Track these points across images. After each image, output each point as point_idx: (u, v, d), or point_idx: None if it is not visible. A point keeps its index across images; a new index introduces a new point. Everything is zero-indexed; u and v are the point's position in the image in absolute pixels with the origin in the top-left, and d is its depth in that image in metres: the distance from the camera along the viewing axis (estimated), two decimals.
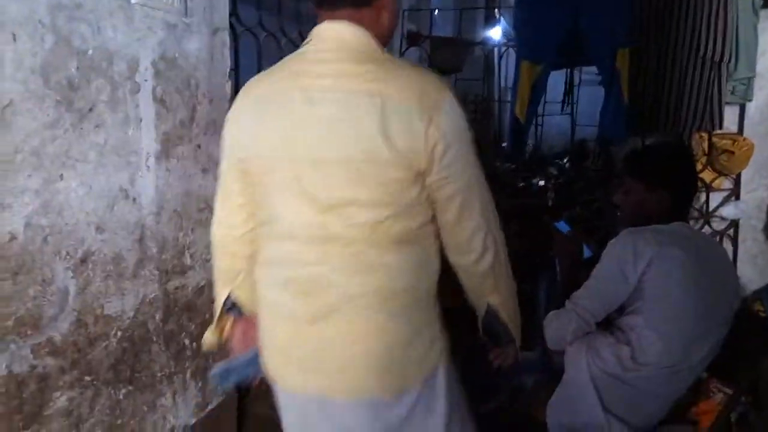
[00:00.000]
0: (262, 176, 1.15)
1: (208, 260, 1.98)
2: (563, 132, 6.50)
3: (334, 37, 1.10)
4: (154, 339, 1.76)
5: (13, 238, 1.30)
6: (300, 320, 1.14)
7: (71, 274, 1.45)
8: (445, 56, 5.31)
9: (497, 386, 1.85)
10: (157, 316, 1.77)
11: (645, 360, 1.45)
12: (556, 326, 1.55)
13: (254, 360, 1.30)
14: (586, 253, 1.88)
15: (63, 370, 1.45)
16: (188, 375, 1.92)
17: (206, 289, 1.98)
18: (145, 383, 1.73)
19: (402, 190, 1.06)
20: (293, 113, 1.08)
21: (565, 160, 4.31)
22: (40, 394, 1.39)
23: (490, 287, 1.17)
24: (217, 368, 1.37)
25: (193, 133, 1.86)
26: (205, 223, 1.96)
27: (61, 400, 1.45)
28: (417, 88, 1.04)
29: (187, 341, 1.90)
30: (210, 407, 2.05)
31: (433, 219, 1.13)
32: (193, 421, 1.96)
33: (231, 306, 1.38)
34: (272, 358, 1.23)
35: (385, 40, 1.15)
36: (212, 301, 1.63)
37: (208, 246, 1.97)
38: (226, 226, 1.36)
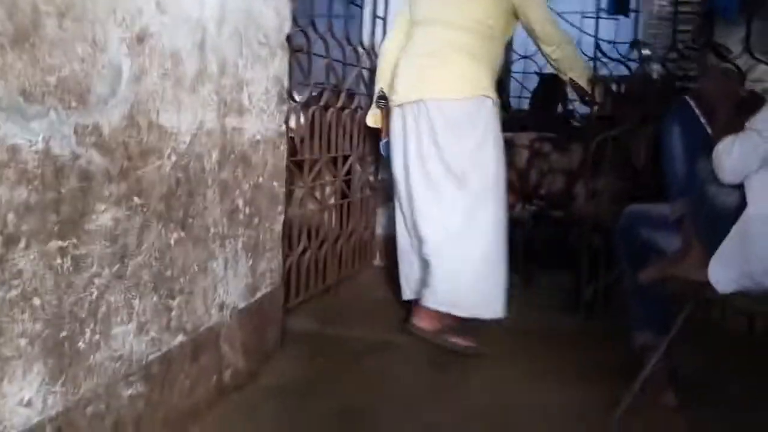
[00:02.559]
0: None
1: (264, 110, 1.63)
2: None
3: None
4: (209, 183, 1.39)
5: None
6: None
7: (126, 50, 1.08)
8: None
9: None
10: (214, 155, 1.40)
11: None
12: (741, 152, 1.25)
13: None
14: None
15: (110, 177, 1.07)
16: (239, 245, 1.56)
17: (261, 144, 1.63)
18: (197, 236, 1.36)
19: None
20: None
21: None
22: (82, 196, 1.02)
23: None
24: (383, 141, 2.26)
25: None
26: (264, 61, 1.61)
27: (105, 217, 1.07)
28: None
29: (240, 202, 1.54)
30: (259, 294, 1.69)
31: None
32: (243, 304, 1.60)
33: (380, 97, 2.23)
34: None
35: None
36: (266, 162, 1.68)
37: (265, 92, 1.64)
38: (391, 39, 2.26)
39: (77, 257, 1.02)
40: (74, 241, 1.01)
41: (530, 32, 2.17)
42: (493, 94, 2.05)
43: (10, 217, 0.89)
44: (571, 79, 2.17)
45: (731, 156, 1.28)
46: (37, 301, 0.95)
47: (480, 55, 2.04)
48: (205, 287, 1.42)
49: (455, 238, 2.01)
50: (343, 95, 2.33)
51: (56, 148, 0.95)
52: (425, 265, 2.06)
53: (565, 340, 2.12)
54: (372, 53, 2.61)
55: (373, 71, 2.58)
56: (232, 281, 1.54)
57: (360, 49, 2.52)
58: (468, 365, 1.88)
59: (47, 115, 0.93)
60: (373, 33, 2.64)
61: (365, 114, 2.47)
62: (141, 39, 1.12)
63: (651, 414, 1.56)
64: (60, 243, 0.98)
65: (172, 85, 1.22)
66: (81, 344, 1.05)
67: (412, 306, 2.14)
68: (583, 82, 2.18)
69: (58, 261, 0.98)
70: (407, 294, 2.17)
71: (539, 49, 2.20)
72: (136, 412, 1.21)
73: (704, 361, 1.91)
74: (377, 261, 2.85)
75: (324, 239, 2.28)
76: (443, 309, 2.01)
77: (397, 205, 2.18)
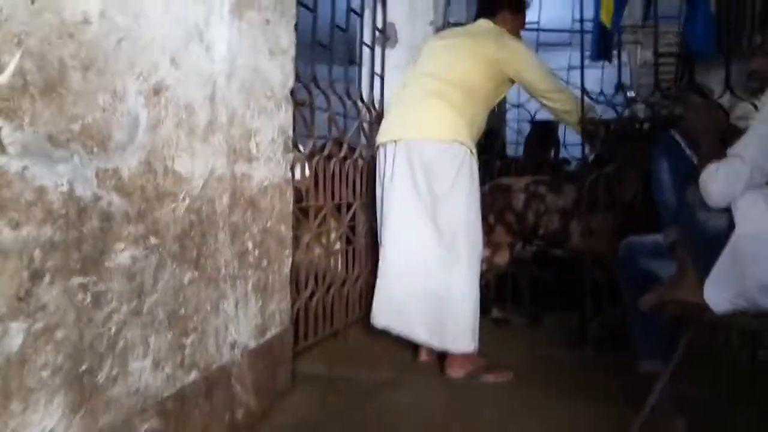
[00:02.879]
0: None
1: (271, 158, 1.72)
2: None
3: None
4: (221, 225, 1.46)
5: (86, 21, 1.03)
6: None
7: (143, 101, 1.18)
8: None
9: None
10: (225, 199, 1.48)
11: None
12: (725, 177, 1.31)
13: None
14: None
15: (128, 218, 1.15)
16: (249, 286, 1.61)
17: (269, 190, 1.71)
18: (210, 276, 1.42)
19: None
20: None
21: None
22: (102, 236, 1.08)
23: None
24: None
25: (261, 3, 1.64)
26: (270, 113, 1.71)
27: (123, 256, 1.13)
28: None
29: (250, 245, 1.60)
30: (269, 335, 1.73)
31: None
32: (253, 344, 1.63)
33: None
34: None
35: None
36: (273, 206, 1.76)
37: (272, 141, 1.73)
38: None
39: (97, 293, 1.08)
40: (95, 278, 1.07)
41: (532, 93, 2.36)
42: (469, 144, 2.16)
43: (37, 253, 0.95)
44: (581, 126, 2.37)
45: (717, 181, 1.34)
46: (59, 335, 1.00)
47: (462, 108, 2.17)
48: (217, 326, 1.46)
49: (426, 275, 2.10)
50: (345, 146, 2.43)
51: (79, 189, 1.03)
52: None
53: (574, 373, 2.14)
54: (372, 107, 2.74)
55: (372, 124, 2.71)
56: (243, 321, 1.58)
57: (360, 104, 2.64)
58: (477, 399, 1.89)
59: (71, 159, 1.01)
60: (371, 89, 2.78)
61: (366, 164, 2.58)
62: (157, 91, 1.22)
63: None
64: (81, 279, 1.04)
65: (185, 133, 1.31)
66: (100, 378, 1.09)
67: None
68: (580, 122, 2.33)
69: (80, 296, 1.04)
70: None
71: (542, 105, 2.37)
72: None
73: (710, 390, 1.92)
74: None
75: (331, 283, 2.33)
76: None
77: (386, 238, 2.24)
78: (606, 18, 2.43)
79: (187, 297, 1.34)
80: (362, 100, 2.69)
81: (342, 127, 2.46)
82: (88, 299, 1.06)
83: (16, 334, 0.92)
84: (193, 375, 1.36)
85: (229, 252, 1.50)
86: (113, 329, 1.12)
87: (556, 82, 2.38)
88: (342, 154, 2.41)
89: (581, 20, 2.73)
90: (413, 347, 2.23)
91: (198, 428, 1.38)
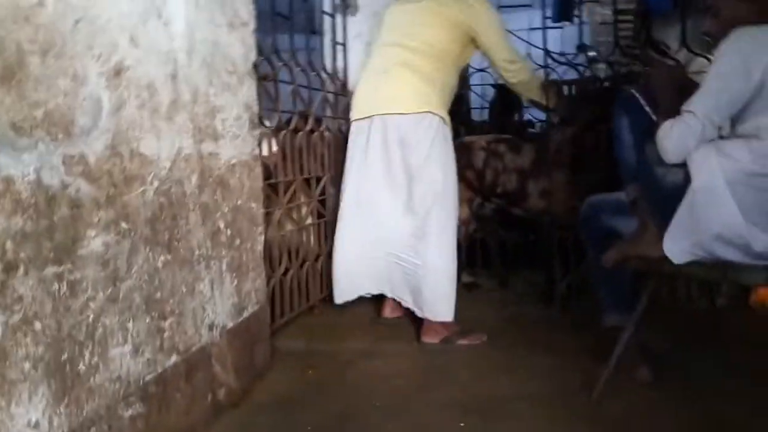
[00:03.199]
0: None
1: (237, 135, 1.70)
2: None
3: None
4: (191, 206, 1.45)
5: (41, 3, 0.99)
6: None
7: (105, 83, 1.15)
8: None
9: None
10: (193, 180, 1.46)
11: None
12: (678, 133, 1.37)
13: None
14: None
15: (98, 204, 1.13)
16: (224, 266, 1.61)
17: (237, 168, 1.69)
18: (183, 258, 1.41)
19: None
20: None
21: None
22: (74, 224, 1.07)
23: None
24: None
25: None
26: (234, 89, 1.68)
27: (96, 242, 1.12)
28: None
29: (222, 224, 1.60)
30: (246, 314, 1.73)
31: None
32: (231, 324, 1.64)
33: None
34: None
35: None
36: (243, 184, 1.74)
37: (237, 118, 1.71)
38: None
39: (72, 282, 1.06)
40: (69, 266, 1.05)
41: (490, 60, 2.36)
42: (441, 113, 2.18)
43: (9, 244, 0.93)
44: (530, 99, 2.40)
45: (670, 138, 1.39)
46: (38, 326, 0.99)
47: (431, 76, 2.18)
48: (194, 308, 1.46)
49: (409, 246, 2.16)
50: (311, 119, 2.41)
51: (47, 178, 1.01)
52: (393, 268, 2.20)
53: (542, 329, 2.22)
54: (336, 78, 2.71)
55: (337, 95, 2.69)
56: (219, 301, 1.58)
57: (323, 75, 2.61)
58: (452, 362, 1.95)
59: (36, 147, 0.99)
60: (334, 59, 2.74)
61: (333, 136, 2.57)
62: (118, 72, 1.19)
63: (628, 392, 1.65)
64: (56, 269, 1.03)
65: (149, 114, 1.29)
66: (81, 366, 1.09)
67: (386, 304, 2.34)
68: (538, 97, 2.36)
69: (56, 286, 1.03)
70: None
71: (499, 74, 2.39)
72: None
73: (672, 339, 2.03)
74: None
75: (304, 259, 2.34)
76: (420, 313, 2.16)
77: (347, 213, 2.28)
78: None
79: (162, 280, 1.33)
80: (326, 71, 2.66)
81: (306, 100, 2.43)
82: (64, 288, 1.04)
83: None
84: (174, 358, 1.37)
85: (201, 233, 1.49)
86: (91, 317, 1.11)
87: (516, 53, 2.39)
88: (308, 127, 2.39)
89: None
90: (390, 322, 2.29)
91: (181, 410, 1.39)
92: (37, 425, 0.99)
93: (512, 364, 1.91)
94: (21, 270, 0.96)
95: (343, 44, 2.80)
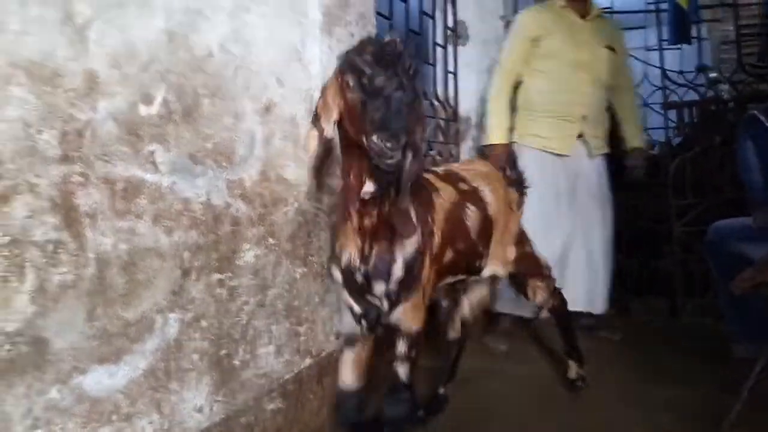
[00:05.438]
0: None
1: None
2: None
3: None
4: (322, 226, 1.61)
5: (210, 54, 1.20)
6: None
7: (258, 119, 1.34)
8: None
9: None
10: (324, 202, 1.63)
11: None
12: None
13: None
14: None
15: (252, 222, 1.31)
16: None
17: None
18: (316, 271, 1.57)
19: None
20: None
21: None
22: (233, 238, 1.25)
23: None
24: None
25: (346, 19, 1.77)
26: None
27: (249, 255, 1.30)
28: None
29: None
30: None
31: None
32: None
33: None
34: None
35: None
36: None
37: None
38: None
39: (231, 288, 1.24)
40: (229, 274, 1.24)
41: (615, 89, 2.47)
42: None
43: (186, 254, 1.12)
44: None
45: None
46: (204, 324, 1.17)
47: (604, 112, 2.46)
48: (324, 317, 1.61)
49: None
50: (423, 146, 2.54)
51: (214, 199, 1.20)
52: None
53: (665, 357, 2.15)
54: (446, 105, 2.83)
55: (448, 121, 2.81)
56: (345, 313, 1.72)
57: (436, 102, 2.74)
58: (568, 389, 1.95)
59: (207, 173, 1.18)
60: (446, 87, 2.87)
61: (444, 162, 2.68)
62: (268, 109, 1.38)
63: (761, 427, 1.56)
64: (219, 276, 1.21)
65: (292, 144, 1.47)
66: (236, 361, 1.26)
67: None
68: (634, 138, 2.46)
69: (218, 290, 1.21)
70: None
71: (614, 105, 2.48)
72: (276, 426, 1.39)
73: None
74: None
75: None
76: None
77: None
78: (683, 0, 2.40)
79: (299, 290, 1.49)
80: (438, 99, 2.79)
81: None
82: (225, 293, 1.23)
83: (174, 323, 1.10)
84: (308, 360, 1.52)
85: (330, 250, 1.65)
86: (245, 319, 1.28)
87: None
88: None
89: (656, 3, 2.71)
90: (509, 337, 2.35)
91: (314, 410, 1.54)
92: (201, 410, 1.17)
93: (633, 393, 1.87)
94: (193, 276, 1.14)
95: (454, 73, 2.92)
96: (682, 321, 2.49)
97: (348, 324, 1.36)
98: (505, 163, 2.31)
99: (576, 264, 2.27)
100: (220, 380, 1.21)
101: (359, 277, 1.23)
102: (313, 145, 1.18)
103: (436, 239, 1.33)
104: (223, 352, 1.22)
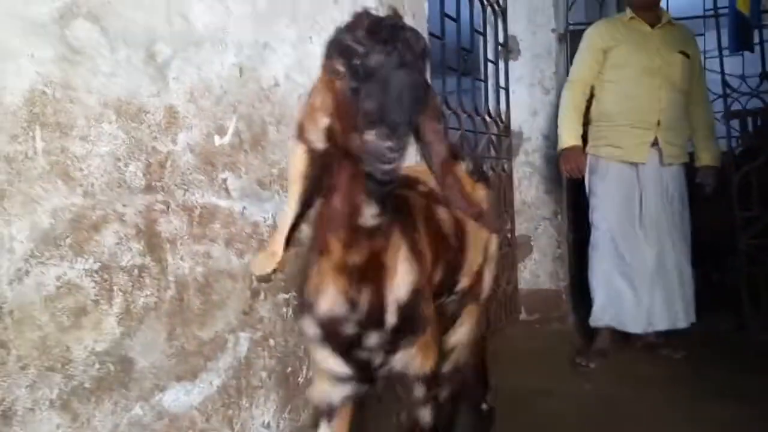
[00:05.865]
0: None
1: None
2: None
3: None
4: None
5: (276, 84, 1.26)
6: None
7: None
8: None
9: None
10: None
11: None
12: None
13: None
14: None
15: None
16: None
17: None
18: None
19: None
20: None
21: None
22: (296, 259, 1.30)
23: None
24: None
25: None
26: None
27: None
28: None
29: None
30: None
31: None
32: None
33: None
34: None
35: None
36: None
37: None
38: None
39: (296, 307, 1.29)
40: (293, 293, 1.28)
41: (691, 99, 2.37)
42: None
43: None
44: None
45: None
46: (272, 342, 1.22)
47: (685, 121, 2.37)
48: None
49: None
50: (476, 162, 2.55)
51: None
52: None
53: (730, 376, 2.07)
54: (498, 121, 2.83)
55: (500, 136, 2.81)
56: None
57: (488, 118, 2.75)
58: (630, 408, 1.90)
59: (273, 198, 1.23)
60: (498, 102, 2.87)
61: (495, 176, 2.68)
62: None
63: None
64: (285, 295, 1.26)
65: None
66: (300, 379, 1.30)
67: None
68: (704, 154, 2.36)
69: (284, 310, 1.25)
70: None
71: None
72: None
73: None
74: (523, 315, 2.94)
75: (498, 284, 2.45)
76: None
77: (608, 246, 2.30)
78: (743, 6, 2.33)
79: None
80: (489, 115, 2.79)
81: (472, 143, 2.57)
82: (290, 312, 1.27)
83: (244, 342, 1.15)
84: None
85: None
86: None
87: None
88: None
89: (715, 8, 2.64)
90: (562, 358, 2.30)
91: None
92: (268, 426, 1.21)
93: (696, 412, 1.81)
94: (262, 295, 1.19)
95: (506, 88, 2.92)
96: (749, 337, 2.40)
97: (321, 392, 1.01)
98: (577, 161, 2.31)
99: (667, 279, 2.24)
100: (285, 397, 1.25)
101: (348, 330, 0.92)
102: (299, 167, 0.87)
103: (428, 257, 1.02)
104: (288, 369, 1.26)
